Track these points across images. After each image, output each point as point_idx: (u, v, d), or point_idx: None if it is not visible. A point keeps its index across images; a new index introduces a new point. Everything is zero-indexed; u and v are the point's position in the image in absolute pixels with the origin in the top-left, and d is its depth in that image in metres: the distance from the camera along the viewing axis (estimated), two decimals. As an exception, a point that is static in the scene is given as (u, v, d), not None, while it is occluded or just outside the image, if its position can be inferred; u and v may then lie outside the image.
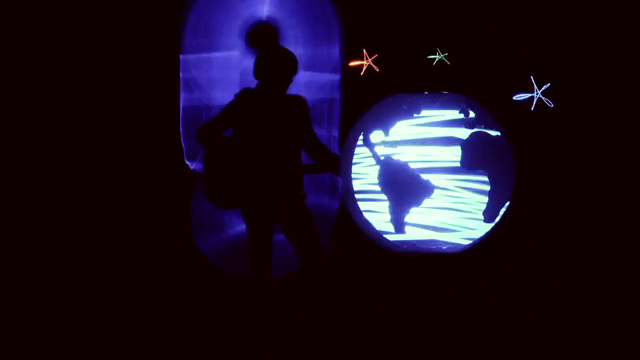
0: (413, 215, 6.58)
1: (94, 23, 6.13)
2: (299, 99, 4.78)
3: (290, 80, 4.77)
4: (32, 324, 5.31)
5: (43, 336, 5.08)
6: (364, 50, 6.22)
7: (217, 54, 6.07)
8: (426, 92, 6.42)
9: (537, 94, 5.97)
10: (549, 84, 6.04)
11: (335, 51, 6.05)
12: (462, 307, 5.65)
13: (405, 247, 6.48)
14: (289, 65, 4.75)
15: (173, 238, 6.11)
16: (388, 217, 6.60)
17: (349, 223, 6.30)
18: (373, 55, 6.24)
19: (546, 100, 6.01)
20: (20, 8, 6.08)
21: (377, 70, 6.20)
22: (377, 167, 6.58)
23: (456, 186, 6.57)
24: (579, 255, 6.09)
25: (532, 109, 6.08)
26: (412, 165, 6.55)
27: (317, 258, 4.78)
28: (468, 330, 5.18)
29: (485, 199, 6.50)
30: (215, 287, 5.95)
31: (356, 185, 6.50)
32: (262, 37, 6.04)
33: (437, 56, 6.19)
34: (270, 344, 4.79)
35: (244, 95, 4.77)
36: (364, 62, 6.21)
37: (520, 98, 6.15)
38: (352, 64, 6.21)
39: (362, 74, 6.23)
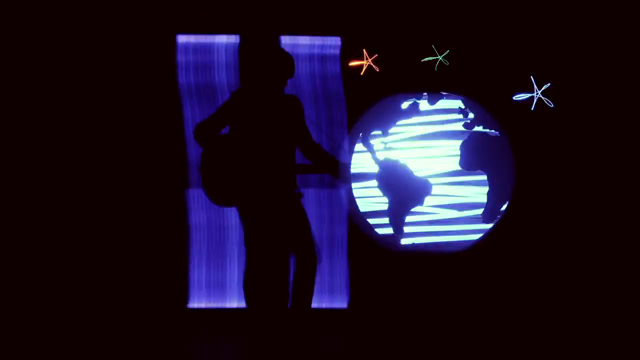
0: (412, 215, 6.56)
1: (92, 31, 6.15)
2: (294, 99, 4.84)
3: (285, 83, 4.83)
4: (31, 324, 5.29)
5: (41, 336, 5.07)
6: (364, 50, 6.23)
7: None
8: (425, 93, 6.43)
9: (537, 93, 5.97)
10: (549, 84, 6.05)
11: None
12: (463, 307, 5.65)
13: (404, 247, 6.47)
14: (286, 66, 4.80)
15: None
16: (387, 217, 6.59)
17: (348, 223, 6.31)
18: (373, 55, 6.24)
19: (546, 100, 6.01)
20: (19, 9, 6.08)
21: (378, 70, 6.21)
22: (376, 168, 6.57)
23: (455, 186, 6.56)
24: (579, 255, 6.10)
25: (533, 108, 6.09)
26: (411, 166, 6.53)
27: (312, 256, 4.82)
28: (468, 330, 5.18)
29: (485, 199, 6.49)
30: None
31: (355, 185, 6.50)
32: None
33: (437, 57, 6.20)
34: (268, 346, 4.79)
35: (240, 93, 4.81)
36: (364, 62, 6.21)
37: (520, 98, 6.15)
38: (352, 64, 6.22)
39: (362, 73, 6.24)
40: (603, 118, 6.14)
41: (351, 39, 6.16)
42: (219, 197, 4.78)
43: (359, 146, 6.50)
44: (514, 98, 6.17)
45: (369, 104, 6.31)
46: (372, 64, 6.20)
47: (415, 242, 6.50)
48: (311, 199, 5.89)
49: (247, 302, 4.85)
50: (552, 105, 6.06)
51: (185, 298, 5.96)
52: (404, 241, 6.51)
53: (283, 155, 4.77)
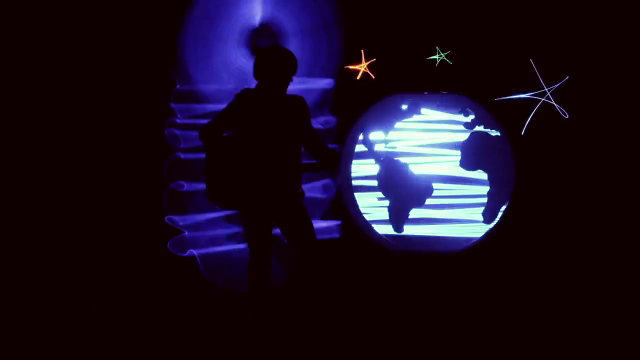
0: (413, 215, 6.57)
1: (92, 31, 6.22)
2: (298, 99, 4.82)
3: (290, 80, 4.81)
4: (30, 324, 5.31)
5: (40, 337, 5.08)
6: (362, 52, 6.24)
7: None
8: (426, 92, 6.43)
9: (547, 94, 5.99)
10: (552, 85, 6.06)
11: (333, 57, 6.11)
12: (462, 307, 5.65)
13: (404, 247, 6.48)
14: (289, 65, 4.79)
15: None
16: (388, 217, 6.60)
17: (348, 223, 6.32)
18: (370, 59, 6.25)
19: (559, 108, 6.05)
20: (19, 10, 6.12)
21: (373, 77, 6.24)
22: (377, 167, 6.58)
23: (456, 186, 6.56)
24: (578, 255, 6.10)
25: (535, 110, 6.11)
26: (412, 165, 6.55)
27: (315, 256, 4.83)
28: (468, 330, 5.18)
29: (485, 199, 6.50)
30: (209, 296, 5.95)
31: (356, 185, 6.51)
32: (262, 39, 6.07)
33: (438, 56, 6.21)
34: (269, 345, 4.80)
35: (244, 95, 4.80)
36: (361, 67, 6.23)
37: (520, 97, 6.17)
38: (349, 67, 6.24)
39: (358, 77, 6.26)
40: (603, 118, 6.14)
41: (351, 39, 6.17)
42: (222, 201, 4.78)
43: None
44: (513, 98, 6.18)
45: (369, 103, 6.33)
46: (367, 70, 6.23)
47: (415, 242, 6.51)
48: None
49: (252, 297, 4.84)
50: (557, 105, 6.08)
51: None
52: (404, 241, 6.53)
53: (288, 156, 4.76)
